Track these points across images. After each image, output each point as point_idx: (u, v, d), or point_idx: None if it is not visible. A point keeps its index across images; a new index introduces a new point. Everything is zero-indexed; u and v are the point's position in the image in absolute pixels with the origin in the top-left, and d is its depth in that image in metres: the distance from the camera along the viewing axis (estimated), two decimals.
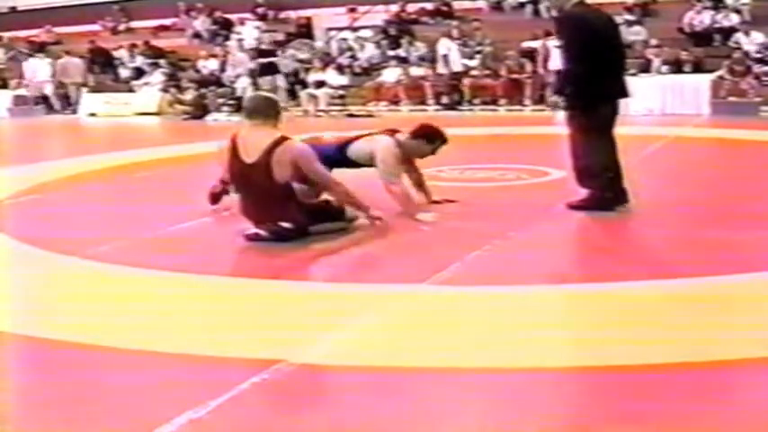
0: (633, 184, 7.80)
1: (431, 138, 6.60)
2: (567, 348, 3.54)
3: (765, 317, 3.93)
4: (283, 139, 5.52)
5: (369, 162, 6.50)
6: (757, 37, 16.40)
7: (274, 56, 19.09)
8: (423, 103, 17.71)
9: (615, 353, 3.49)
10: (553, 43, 17.03)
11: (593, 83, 6.17)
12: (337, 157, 6.50)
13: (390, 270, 5.10)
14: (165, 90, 19.46)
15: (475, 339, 3.70)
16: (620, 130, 12.29)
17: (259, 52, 19.21)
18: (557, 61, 16.84)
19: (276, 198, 5.54)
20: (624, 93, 6.52)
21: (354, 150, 6.57)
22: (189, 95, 18.52)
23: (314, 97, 17.43)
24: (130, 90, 20.48)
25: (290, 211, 5.58)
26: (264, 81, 18.13)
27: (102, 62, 22.15)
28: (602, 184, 6.35)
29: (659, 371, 3.30)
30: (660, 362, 3.37)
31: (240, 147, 5.54)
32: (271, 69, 18.59)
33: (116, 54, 22.04)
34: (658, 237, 5.73)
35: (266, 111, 5.68)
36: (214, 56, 19.99)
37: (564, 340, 3.65)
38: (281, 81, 18.42)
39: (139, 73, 20.96)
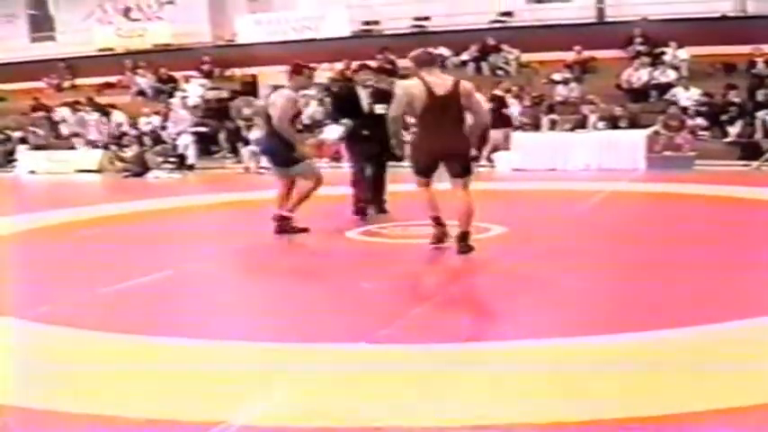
0: (576, 240, 7.97)
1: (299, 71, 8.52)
2: (509, 405, 3.56)
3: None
4: (459, 80, 7.17)
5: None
6: (695, 93, 16.88)
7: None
8: None
9: (557, 408, 3.49)
10: (509, 100, 17.36)
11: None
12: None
13: (333, 326, 5.07)
14: (105, 147, 19.34)
15: (414, 398, 3.68)
16: (558, 186, 12.58)
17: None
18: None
19: (462, 122, 7.14)
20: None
21: (270, 110, 8.17)
22: (130, 152, 18.43)
23: (255, 154, 17.41)
24: (71, 147, 20.31)
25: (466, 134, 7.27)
26: None
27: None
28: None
29: (606, 426, 3.32)
30: (606, 417, 3.38)
31: (432, 85, 6.94)
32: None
33: (57, 111, 21.89)
34: (601, 291, 5.82)
35: (433, 60, 7.27)
36: (157, 113, 19.98)
37: (506, 397, 3.66)
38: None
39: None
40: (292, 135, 8.18)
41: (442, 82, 7.05)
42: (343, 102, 9.63)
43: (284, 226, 8.30)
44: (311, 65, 8.98)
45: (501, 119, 16.52)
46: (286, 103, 8.15)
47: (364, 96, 9.56)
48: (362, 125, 9.36)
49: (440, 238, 7.29)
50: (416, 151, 7.29)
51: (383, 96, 9.40)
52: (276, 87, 8.51)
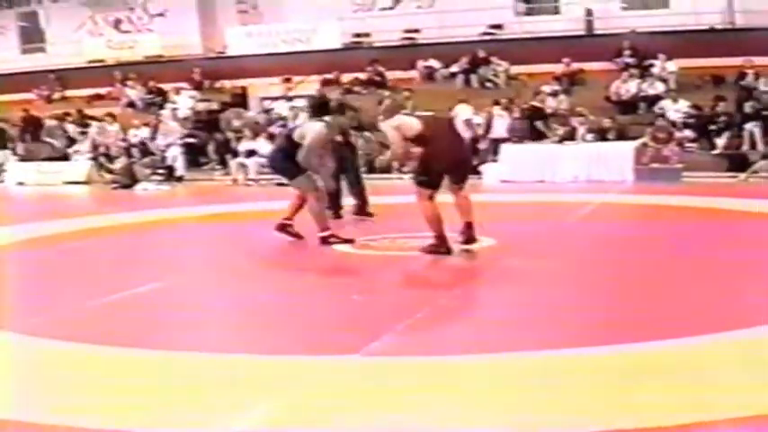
0: (565, 252, 8.00)
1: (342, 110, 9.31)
2: (501, 417, 3.57)
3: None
4: None
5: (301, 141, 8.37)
6: (683, 105, 16.95)
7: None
8: None
9: (549, 421, 3.51)
10: (498, 112, 17.42)
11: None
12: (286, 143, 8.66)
13: (325, 339, 5.06)
14: (94, 159, 19.30)
15: (407, 410, 3.69)
16: (547, 198, 12.63)
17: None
18: (500, 129, 17.27)
19: (459, 134, 8.43)
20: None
21: (296, 133, 8.52)
22: (119, 164, 18.40)
23: (244, 166, 17.44)
24: (60, 159, 20.25)
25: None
26: None
27: (33, 131, 21.92)
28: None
29: None
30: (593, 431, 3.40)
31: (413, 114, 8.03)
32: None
33: (48, 122, 21.80)
34: (591, 303, 5.84)
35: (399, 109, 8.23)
36: (146, 124, 19.95)
37: (498, 409, 3.67)
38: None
39: (71, 142, 20.76)
40: (315, 167, 8.46)
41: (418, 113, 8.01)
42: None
43: (285, 227, 8.69)
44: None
45: (534, 131, 16.71)
46: (316, 137, 8.33)
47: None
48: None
49: (438, 251, 7.42)
50: (427, 163, 7.47)
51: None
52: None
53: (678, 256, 7.52)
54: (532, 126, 16.91)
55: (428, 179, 7.45)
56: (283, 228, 8.67)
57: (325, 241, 8.32)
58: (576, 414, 3.58)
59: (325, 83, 20.30)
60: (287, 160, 8.48)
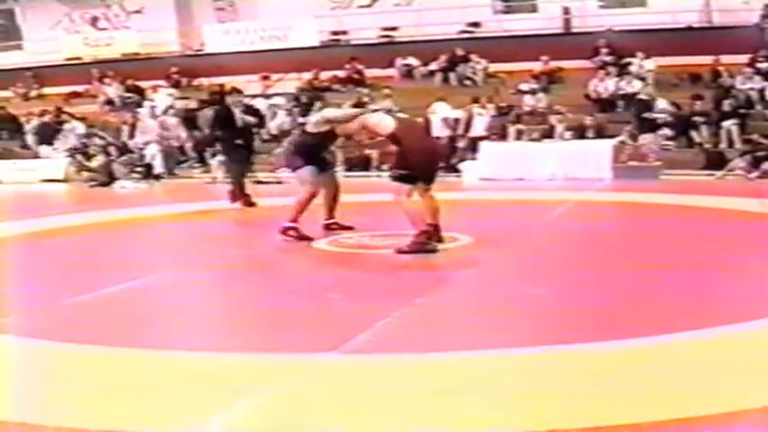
0: (542, 250, 8.02)
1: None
2: (479, 415, 3.57)
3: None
4: None
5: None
6: (660, 103, 17.01)
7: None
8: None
9: (532, 417, 3.51)
10: (478, 111, 17.43)
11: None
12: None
13: (298, 339, 5.03)
14: (71, 156, 19.19)
15: (383, 411, 3.66)
16: (525, 195, 12.63)
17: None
18: (479, 128, 17.28)
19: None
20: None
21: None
22: (96, 162, 18.28)
23: (223, 164, 17.32)
24: (37, 157, 20.13)
25: None
26: None
27: (9, 128, 21.77)
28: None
29: None
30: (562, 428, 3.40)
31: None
32: None
33: (24, 120, 21.67)
34: (564, 300, 5.85)
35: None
36: (125, 122, 19.84)
37: (475, 408, 3.67)
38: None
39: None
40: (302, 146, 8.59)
41: None
42: (222, 118, 12.20)
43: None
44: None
45: None
46: (340, 114, 8.70)
47: (237, 113, 11.92)
48: (237, 136, 11.89)
49: (423, 248, 7.49)
50: (405, 159, 7.54)
51: (254, 113, 12.66)
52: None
53: (655, 254, 7.54)
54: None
55: (407, 174, 7.50)
56: (329, 227, 8.86)
57: (284, 231, 8.39)
58: (548, 412, 3.59)
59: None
60: (290, 151, 8.81)
